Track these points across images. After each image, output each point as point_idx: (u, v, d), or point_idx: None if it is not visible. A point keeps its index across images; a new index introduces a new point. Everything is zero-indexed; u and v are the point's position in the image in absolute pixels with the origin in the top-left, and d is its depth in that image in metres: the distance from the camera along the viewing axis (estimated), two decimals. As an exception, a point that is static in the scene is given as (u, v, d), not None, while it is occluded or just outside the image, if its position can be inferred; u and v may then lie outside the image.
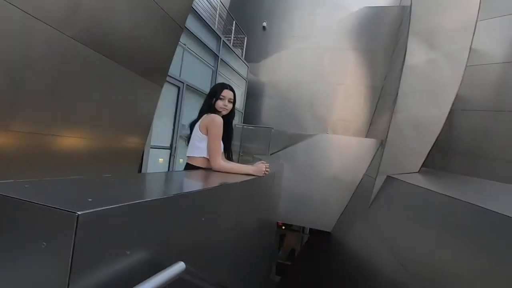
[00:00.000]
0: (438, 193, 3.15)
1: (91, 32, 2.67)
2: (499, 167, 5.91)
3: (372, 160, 5.91)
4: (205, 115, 1.84)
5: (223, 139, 1.93)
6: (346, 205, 6.03)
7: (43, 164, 2.64)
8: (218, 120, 1.77)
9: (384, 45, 8.68)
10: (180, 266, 0.66)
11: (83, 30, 2.59)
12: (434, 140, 4.75)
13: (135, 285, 0.54)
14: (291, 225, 10.49)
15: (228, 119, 1.95)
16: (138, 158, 3.98)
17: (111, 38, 2.92)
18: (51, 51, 2.40)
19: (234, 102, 1.91)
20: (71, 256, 0.45)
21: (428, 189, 3.53)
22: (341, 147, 6.44)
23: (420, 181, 4.18)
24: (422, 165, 4.86)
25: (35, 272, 0.48)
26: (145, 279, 0.55)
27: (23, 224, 0.50)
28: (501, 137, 5.91)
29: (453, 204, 2.71)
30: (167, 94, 4.81)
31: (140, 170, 4.11)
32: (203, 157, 1.79)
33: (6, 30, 2.04)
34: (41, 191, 0.58)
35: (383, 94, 8.14)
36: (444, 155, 6.25)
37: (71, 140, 2.87)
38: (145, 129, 3.93)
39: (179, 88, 5.18)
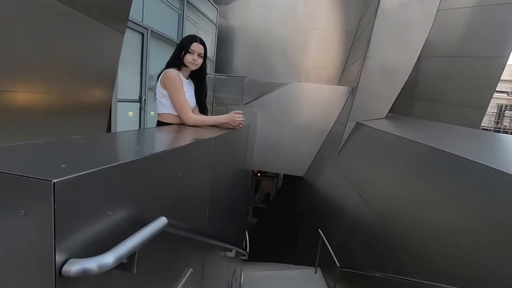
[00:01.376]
0: (400, 137, 3.41)
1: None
2: (457, 112, 6.36)
3: (343, 107, 6.09)
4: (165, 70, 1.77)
5: (196, 95, 1.89)
6: (318, 151, 6.34)
7: None
8: (171, 74, 1.72)
9: (360, -15, 8.32)
10: (162, 220, 0.70)
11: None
12: (401, 86, 4.93)
13: (120, 240, 0.57)
14: (266, 172, 10.98)
15: (200, 73, 1.88)
16: (106, 113, 3.80)
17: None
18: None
19: (205, 57, 1.82)
20: (53, 223, 0.46)
21: (391, 133, 3.78)
22: (313, 95, 6.51)
23: (386, 126, 4.44)
24: (389, 111, 5.11)
25: (16, 240, 0.49)
26: (128, 235, 0.59)
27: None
28: (460, 82, 6.24)
29: (411, 146, 2.96)
30: (131, 41, 4.43)
31: (109, 126, 3.96)
32: (169, 113, 1.77)
33: None
34: (9, 158, 0.56)
35: (357, 39, 8.06)
36: (408, 101, 6.56)
37: (28, 96, 2.65)
38: (110, 81, 3.69)
39: (143, 34, 4.77)
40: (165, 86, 1.74)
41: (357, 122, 5.04)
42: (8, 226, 0.50)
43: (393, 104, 5.05)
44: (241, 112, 1.85)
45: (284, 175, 9.02)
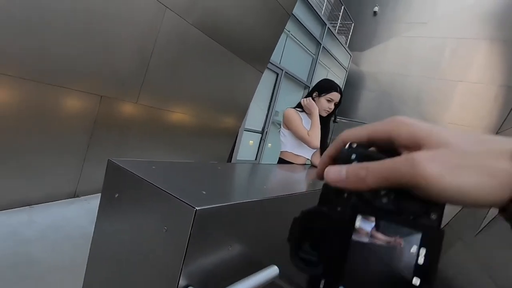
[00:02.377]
0: None
1: (206, 19, 2.91)
2: None
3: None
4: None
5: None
6: (448, 223, 5.22)
7: (156, 133, 3.08)
8: (288, 111, 1.78)
9: (535, 35, 6.86)
10: (274, 270, 0.66)
11: (201, 17, 2.84)
12: None
13: (232, 280, 0.56)
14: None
15: (326, 118, 1.86)
16: (232, 139, 4.27)
17: (222, 24, 3.11)
18: (175, 36, 2.71)
19: (339, 104, 1.81)
20: (187, 243, 0.49)
21: None
22: None
23: None
24: None
25: (155, 248, 0.54)
26: (239, 277, 0.57)
27: (146, 203, 0.57)
28: None
29: None
30: (265, 79, 4.94)
31: (232, 150, 4.40)
32: (290, 151, 1.81)
33: (143, 19, 2.39)
34: (164, 175, 0.65)
35: (523, 98, 6.51)
36: None
37: (179, 116, 3.26)
38: (242, 112, 4.16)
39: (277, 74, 5.24)
40: (286, 126, 1.80)
41: None
42: (151, 236, 0.56)
43: None
44: None
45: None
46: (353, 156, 0.26)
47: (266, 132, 5.28)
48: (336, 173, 0.25)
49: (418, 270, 0.21)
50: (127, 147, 2.79)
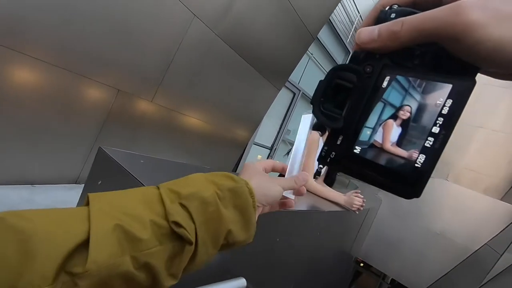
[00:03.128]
0: None
1: (233, 32, 3.00)
2: None
3: (502, 231, 4.65)
4: None
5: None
6: (449, 271, 4.96)
7: (166, 134, 3.14)
8: (312, 136, 1.70)
9: None
10: (241, 282, 0.65)
11: (227, 30, 2.93)
12: None
13: (193, 286, 0.55)
14: (371, 266, 9.38)
15: None
16: (240, 150, 4.28)
17: (246, 38, 3.20)
18: (199, 44, 2.81)
19: None
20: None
21: None
22: (462, 202, 5.30)
23: None
24: None
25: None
26: (203, 285, 0.56)
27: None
28: None
29: None
30: (282, 97, 4.99)
31: (239, 161, 4.41)
32: None
33: (171, 23, 2.49)
34: (149, 170, 0.66)
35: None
36: None
37: (192, 120, 3.32)
38: (254, 126, 4.19)
39: (294, 94, 5.29)
40: None
41: (521, 259, 3.71)
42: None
43: None
44: (360, 192, 1.66)
45: (393, 280, 7.45)
46: (393, 16, 0.24)
47: (275, 149, 5.28)
48: (368, 33, 0.23)
49: (439, 119, 0.22)
50: (136, 143, 2.85)
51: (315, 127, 1.82)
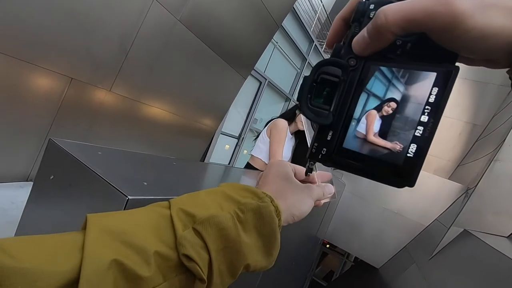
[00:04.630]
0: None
1: (195, 18, 2.89)
2: None
3: (449, 207, 5.13)
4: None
5: (295, 153, 1.87)
6: (405, 246, 5.40)
7: (127, 125, 2.99)
8: (281, 125, 1.72)
9: (501, 80, 7.40)
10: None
11: (190, 15, 2.82)
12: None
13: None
14: (336, 246, 9.89)
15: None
16: (208, 140, 4.22)
17: (210, 25, 3.11)
18: (159, 29, 2.67)
19: None
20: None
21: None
22: (416, 182, 5.74)
23: (510, 250, 3.45)
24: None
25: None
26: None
27: (80, 188, 0.54)
28: None
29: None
30: (248, 86, 4.96)
31: (206, 152, 4.35)
32: (262, 160, 1.78)
33: (128, 7, 2.33)
34: (108, 162, 0.62)
35: (484, 136, 6.97)
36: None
37: (155, 110, 3.18)
38: (220, 115, 4.14)
39: (260, 83, 5.29)
40: (270, 134, 1.77)
41: (465, 230, 4.13)
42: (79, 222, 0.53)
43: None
44: (331, 178, 1.73)
45: (356, 258, 7.95)
46: (372, 6, 0.24)
47: (243, 138, 5.28)
48: (360, 39, 0.23)
49: (427, 107, 0.22)
50: (94, 135, 2.68)
51: (283, 116, 1.84)
